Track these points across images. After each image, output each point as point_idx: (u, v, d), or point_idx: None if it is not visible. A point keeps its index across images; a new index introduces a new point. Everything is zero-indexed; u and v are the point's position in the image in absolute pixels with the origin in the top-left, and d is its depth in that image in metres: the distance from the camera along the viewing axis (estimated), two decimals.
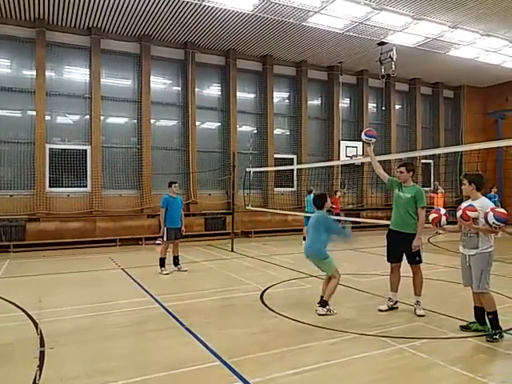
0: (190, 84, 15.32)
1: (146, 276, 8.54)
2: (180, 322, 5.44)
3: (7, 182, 13.01)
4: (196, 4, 11.95)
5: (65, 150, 13.77)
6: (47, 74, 13.43)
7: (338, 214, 13.28)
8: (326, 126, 18.37)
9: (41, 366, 4.10)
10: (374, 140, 6.41)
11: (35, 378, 3.85)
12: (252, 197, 14.38)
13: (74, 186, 13.82)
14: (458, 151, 16.62)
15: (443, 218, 4.99)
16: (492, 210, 4.56)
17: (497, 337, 4.65)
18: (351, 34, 13.97)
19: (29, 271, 9.33)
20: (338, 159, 17.57)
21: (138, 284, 7.81)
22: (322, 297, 5.92)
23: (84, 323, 5.53)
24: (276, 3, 11.79)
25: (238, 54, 16.14)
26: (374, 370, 4.01)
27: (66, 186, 13.71)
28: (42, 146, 13.18)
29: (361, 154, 17.98)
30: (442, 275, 8.15)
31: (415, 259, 5.69)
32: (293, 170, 16.83)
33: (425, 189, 6.65)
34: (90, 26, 13.62)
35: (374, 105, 19.69)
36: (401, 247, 5.73)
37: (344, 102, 18.81)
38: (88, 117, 14.05)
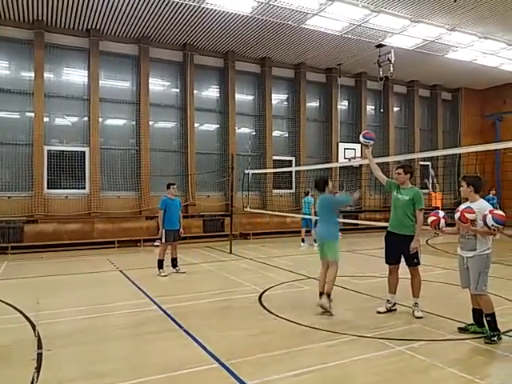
0: (188, 86, 15.33)
1: (144, 278, 8.52)
2: (178, 324, 5.43)
3: (5, 184, 12.99)
4: (195, 6, 11.97)
5: (63, 151, 13.76)
6: (45, 75, 13.44)
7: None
8: (325, 128, 18.41)
9: (38, 368, 4.08)
10: (372, 142, 6.43)
11: (33, 380, 3.84)
12: (250, 199, 14.38)
13: (73, 188, 13.80)
14: (456, 153, 16.70)
15: (442, 221, 5.00)
16: (491, 212, 4.57)
17: (495, 339, 4.64)
18: (349, 36, 14.02)
19: (27, 273, 9.32)
20: (337, 161, 17.60)
21: (136, 286, 7.80)
22: (321, 293, 5.94)
23: (82, 325, 5.52)
24: (274, 5, 11.82)
25: (237, 56, 16.16)
26: (372, 371, 4.01)
27: (64, 188, 13.70)
28: (40, 147, 13.17)
29: (359, 156, 18.00)
30: (440, 277, 8.15)
31: (413, 261, 5.69)
32: (291, 171, 16.85)
33: (423, 191, 6.66)
34: (89, 27, 13.63)
35: (373, 107, 19.73)
36: (399, 249, 5.73)
37: (342, 104, 18.86)
38: (86, 118, 14.04)
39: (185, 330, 5.18)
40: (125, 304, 6.53)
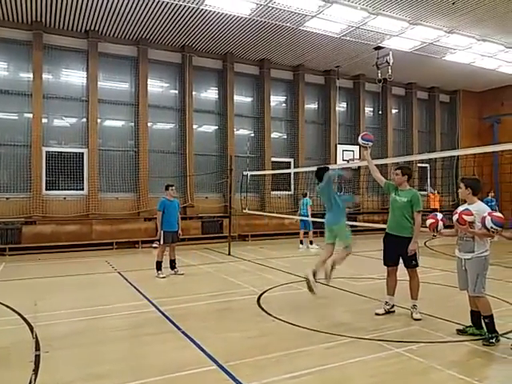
0: (187, 87, 15.34)
1: (143, 279, 8.51)
2: (176, 326, 5.42)
3: (3, 185, 12.97)
4: (193, 8, 11.99)
5: (61, 152, 13.75)
6: (44, 76, 13.43)
7: None
8: (323, 130, 18.44)
9: (36, 370, 4.07)
10: (370, 144, 6.44)
11: (30, 381, 3.82)
12: (249, 200, 14.38)
13: (71, 189, 13.79)
14: (454, 155, 16.74)
15: (440, 223, 5.01)
16: (489, 214, 4.57)
17: (493, 340, 4.65)
18: (348, 38, 14.06)
19: (24, 274, 9.30)
20: (335, 163, 17.61)
21: (135, 287, 7.79)
22: (315, 272, 6.08)
23: (80, 327, 5.50)
24: (273, 7, 11.85)
25: (236, 57, 16.19)
26: (370, 373, 4.01)
27: (62, 189, 13.68)
28: (38, 148, 13.15)
29: (357, 157, 18.02)
30: (439, 279, 8.16)
31: (411, 263, 5.70)
32: (290, 173, 16.86)
33: (421, 193, 6.67)
34: (88, 28, 13.63)
35: (371, 109, 19.78)
36: (397, 251, 5.74)
37: (341, 106, 18.90)
38: (85, 120, 14.03)
39: (183, 332, 5.17)
40: (123, 306, 6.52)
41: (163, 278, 8.64)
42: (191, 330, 5.23)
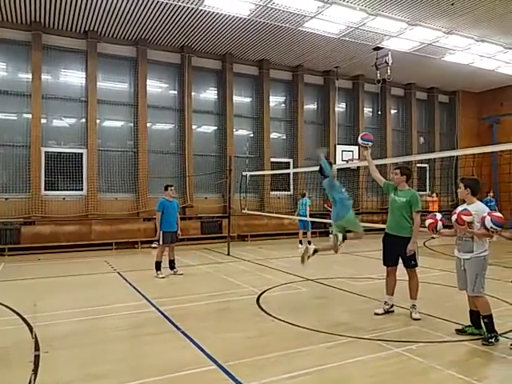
0: (186, 88, 15.34)
1: (142, 279, 8.51)
2: (176, 326, 5.42)
3: (2, 186, 12.96)
4: (193, 8, 11.99)
5: (60, 153, 13.74)
6: (43, 77, 13.42)
7: None
8: (322, 131, 18.45)
9: (36, 370, 4.07)
10: (370, 144, 6.44)
11: (30, 381, 3.83)
12: (248, 200, 14.39)
13: (70, 190, 13.78)
14: (453, 156, 16.75)
15: (439, 223, 5.02)
16: (489, 214, 4.58)
17: (492, 340, 4.66)
18: (347, 39, 14.07)
19: (24, 275, 9.29)
20: (334, 163, 17.60)
21: (134, 288, 7.79)
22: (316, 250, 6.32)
23: (79, 327, 5.50)
24: (272, 8, 11.85)
25: (235, 58, 16.19)
26: (369, 373, 4.01)
27: (61, 190, 13.67)
28: (37, 149, 13.14)
29: (356, 157, 18.06)
30: (438, 279, 8.17)
31: (411, 263, 5.71)
32: (289, 173, 16.87)
33: (420, 193, 6.68)
34: (87, 29, 13.63)
35: (370, 109, 19.80)
36: (397, 251, 5.75)
37: (340, 107, 18.91)
38: (84, 120, 14.03)
39: (182, 332, 5.18)
40: (122, 306, 6.52)
41: (162, 278, 8.64)
42: (191, 330, 5.23)
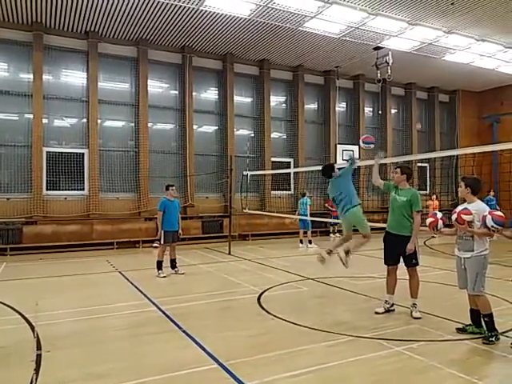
0: (187, 88, 15.36)
1: (144, 279, 8.53)
2: (177, 325, 5.44)
3: (4, 185, 13.00)
4: (193, 8, 12.01)
5: (62, 153, 13.77)
6: (44, 77, 13.45)
7: (336, 217, 13.32)
8: (323, 130, 18.46)
9: (37, 370, 4.09)
10: (372, 146, 6.44)
11: (32, 381, 3.84)
12: (249, 200, 14.40)
13: (71, 189, 13.81)
14: (453, 155, 16.74)
15: (440, 222, 5.03)
16: (490, 213, 4.60)
17: (493, 339, 4.66)
18: (347, 38, 14.08)
19: (25, 274, 9.32)
20: (335, 163, 17.60)
21: (135, 287, 7.80)
22: (331, 251, 6.21)
23: (81, 326, 5.53)
24: (273, 8, 11.87)
25: (235, 58, 16.21)
26: (370, 372, 4.03)
27: (63, 189, 13.70)
28: (39, 149, 13.17)
29: (357, 157, 18.02)
30: (438, 278, 8.18)
31: (412, 262, 5.72)
32: (290, 173, 16.88)
33: (421, 192, 6.69)
34: (88, 29, 13.65)
35: (371, 109, 19.80)
36: (397, 250, 5.76)
37: (340, 106, 18.92)
38: (85, 120, 14.05)
39: (184, 331, 5.19)
40: (124, 305, 6.53)
41: (164, 277, 8.66)
42: (192, 329, 5.25)
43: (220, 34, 14.06)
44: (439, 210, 15.14)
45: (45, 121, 13.49)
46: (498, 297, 6.34)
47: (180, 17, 12.77)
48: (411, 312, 5.71)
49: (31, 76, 13.23)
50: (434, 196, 16.93)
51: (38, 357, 4.40)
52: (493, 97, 21.26)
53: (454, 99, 21.84)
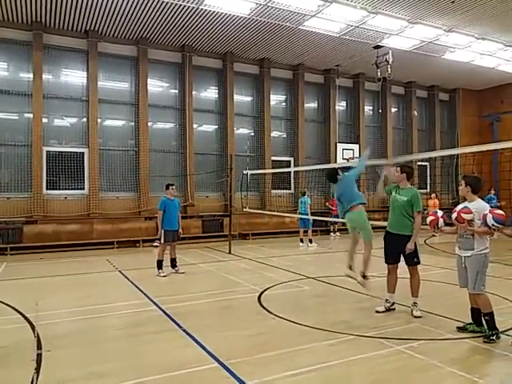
0: (187, 87, 15.35)
1: (144, 278, 8.53)
2: (178, 324, 5.43)
3: (4, 185, 13.00)
4: (193, 7, 12.00)
5: (62, 152, 13.77)
6: (44, 76, 13.44)
7: (337, 216, 13.33)
8: (323, 129, 18.45)
9: (38, 369, 4.09)
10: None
11: (32, 380, 3.84)
12: (249, 199, 14.40)
13: (72, 189, 13.81)
14: (453, 154, 16.74)
15: (440, 220, 5.03)
16: (491, 211, 4.59)
17: (494, 338, 4.66)
18: (347, 37, 14.07)
19: (26, 274, 9.32)
20: (335, 162, 17.62)
21: (136, 286, 7.80)
22: (350, 266, 6.31)
23: (81, 325, 5.53)
24: (273, 7, 11.86)
25: (235, 57, 16.19)
26: (371, 371, 4.03)
27: (63, 189, 13.70)
28: (39, 148, 13.17)
29: (357, 156, 18.06)
30: (439, 276, 8.18)
31: (413, 261, 5.71)
32: (290, 172, 16.88)
33: (421, 190, 6.69)
34: (87, 28, 13.64)
35: (371, 108, 19.79)
36: (398, 249, 5.75)
37: (340, 105, 18.91)
38: (85, 119, 14.05)
39: (184, 330, 5.19)
40: (124, 304, 6.54)
41: (164, 276, 8.66)
42: (192, 328, 5.25)
43: (220, 32, 14.05)
44: (439, 209, 15.18)
45: (45, 120, 13.49)
46: (498, 295, 6.34)
47: (180, 16, 12.75)
48: (412, 311, 5.70)
49: (31, 75, 13.22)
50: (434, 195, 16.91)
51: (39, 356, 4.40)
52: (493, 95, 21.24)
53: (454, 98, 21.82)
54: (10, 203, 12.94)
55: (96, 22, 13.21)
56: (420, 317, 5.57)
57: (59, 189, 13.64)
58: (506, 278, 8.04)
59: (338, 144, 18.14)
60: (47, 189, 13.46)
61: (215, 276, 8.96)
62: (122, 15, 12.70)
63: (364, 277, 6.13)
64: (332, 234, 16.70)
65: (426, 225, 5.22)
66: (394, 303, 5.97)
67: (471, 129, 21.74)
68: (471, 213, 4.71)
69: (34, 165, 13.11)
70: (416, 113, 18.88)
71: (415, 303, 5.72)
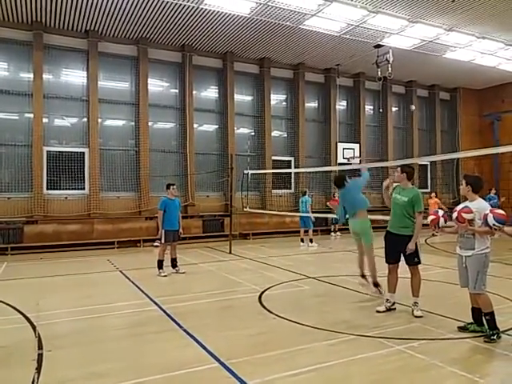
0: (187, 86, 15.35)
1: (144, 278, 8.53)
2: (178, 324, 5.44)
3: (5, 185, 13.00)
4: (193, 7, 11.99)
5: (62, 152, 13.77)
6: (44, 76, 13.44)
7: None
8: (323, 128, 18.44)
9: (39, 369, 4.09)
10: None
11: (33, 380, 3.84)
12: (250, 199, 14.40)
13: (72, 189, 13.81)
14: (454, 154, 16.73)
15: (441, 220, 5.02)
16: (491, 211, 4.59)
17: (494, 337, 4.66)
18: (348, 36, 14.05)
19: (26, 274, 9.33)
20: (336, 161, 17.63)
21: (136, 286, 7.81)
22: (362, 275, 6.59)
23: (82, 325, 5.53)
24: (273, 6, 11.85)
25: (236, 56, 16.18)
26: (372, 371, 4.02)
27: (63, 189, 13.70)
28: (39, 148, 13.17)
29: (358, 155, 18.07)
30: (440, 276, 8.17)
31: (413, 260, 5.70)
32: (290, 171, 16.86)
33: (421, 190, 6.68)
34: (88, 28, 13.64)
35: (371, 107, 19.77)
36: (398, 249, 5.75)
37: (341, 105, 18.90)
38: (85, 119, 14.05)
39: (185, 330, 5.19)
40: (125, 304, 6.54)
41: (165, 276, 8.67)
42: (193, 328, 5.25)
43: (220, 32, 14.04)
44: (440, 209, 15.17)
45: (45, 120, 13.49)
46: (499, 295, 6.33)
47: (180, 15, 12.75)
48: (412, 310, 5.70)
49: (31, 75, 13.22)
50: (433, 194, 16.90)
51: (40, 356, 4.40)
52: (494, 94, 21.22)
53: (454, 97, 21.80)
54: (10, 203, 12.95)
55: (96, 22, 13.21)
56: (421, 316, 5.57)
57: (60, 189, 13.64)
58: (507, 277, 8.04)
59: (338, 143, 18.14)
60: (48, 189, 13.46)
61: (216, 276, 8.96)
62: (122, 15, 12.70)
63: (376, 285, 6.25)
64: (332, 233, 16.69)
65: (427, 225, 5.21)
66: (394, 303, 5.96)
67: (472, 128, 21.73)
68: (472, 212, 4.70)
69: (34, 165, 13.12)
70: (414, 107, 18.87)
71: (416, 303, 5.72)
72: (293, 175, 17.13)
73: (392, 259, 5.88)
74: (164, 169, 15.11)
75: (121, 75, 14.82)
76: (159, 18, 12.96)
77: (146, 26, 13.52)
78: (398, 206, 5.80)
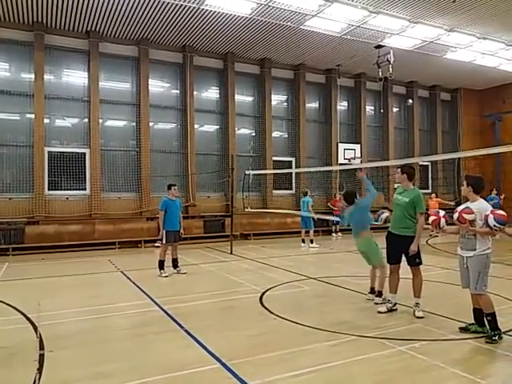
0: (188, 87, 15.36)
1: (146, 279, 8.53)
2: (179, 325, 5.44)
3: (6, 186, 13.01)
4: (194, 8, 12.00)
5: (63, 153, 13.79)
6: (45, 77, 13.46)
7: (338, 216, 13.35)
8: (324, 129, 18.44)
9: (40, 370, 4.09)
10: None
11: (35, 381, 3.85)
12: (251, 199, 14.40)
13: (73, 189, 13.82)
14: (455, 155, 16.72)
15: (442, 220, 5.01)
16: (492, 212, 4.58)
17: (496, 338, 4.65)
18: (349, 37, 14.05)
19: (28, 274, 9.33)
20: (337, 161, 17.63)
21: (138, 287, 7.81)
22: (372, 288, 6.53)
23: (83, 326, 5.53)
24: (274, 7, 11.85)
25: (236, 57, 16.19)
26: (373, 371, 4.02)
27: (64, 189, 13.72)
28: (40, 149, 13.19)
29: (359, 156, 18.06)
30: (441, 277, 8.17)
31: (415, 261, 5.70)
32: (291, 172, 16.86)
33: (422, 190, 6.68)
34: (89, 29, 13.65)
35: (372, 107, 19.77)
36: (400, 249, 5.75)
37: (342, 105, 18.90)
38: (87, 120, 14.06)
39: (186, 331, 5.19)
40: (126, 305, 6.54)
41: (166, 277, 8.67)
42: (194, 328, 5.25)
43: (221, 33, 14.05)
44: (440, 209, 15.15)
45: (46, 121, 13.50)
46: (500, 296, 6.33)
47: (181, 16, 12.76)
48: (414, 311, 5.69)
49: (32, 76, 13.24)
50: (433, 195, 16.89)
51: (41, 357, 4.40)
52: (495, 95, 21.21)
53: (455, 97, 21.79)
54: (11, 204, 12.96)
55: (97, 23, 13.23)
56: (422, 317, 5.56)
57: (61, 189, 13.65)
58: (508, 278, 8.03)
59: (339, 144, 18.14)
60: (49, 189, 13.47)
61: (217, 276, 8.96)
62: (123, 16, 12.71)
63: (380, 295, 6.28)
64: (334, 234, 16.68)
65: (429, 224, 5.20)
66: (395, 303, 5.96)
67: (473, 129, 21.72)
68: (473, 213, 4.70)
69: (35, 165, 13.13)
70: (411, 100, 18.88)
71: (417, 304, 5.71)
72: (294, 175, 17.13)
73: (393, 260, 5.88)
74: (165, 169, 15.12)
75: (122, 76, 14.83)
76: (160, 19, 12.97)
77: (146, 26, 13.53)
78: (399, 207, 5.80)
